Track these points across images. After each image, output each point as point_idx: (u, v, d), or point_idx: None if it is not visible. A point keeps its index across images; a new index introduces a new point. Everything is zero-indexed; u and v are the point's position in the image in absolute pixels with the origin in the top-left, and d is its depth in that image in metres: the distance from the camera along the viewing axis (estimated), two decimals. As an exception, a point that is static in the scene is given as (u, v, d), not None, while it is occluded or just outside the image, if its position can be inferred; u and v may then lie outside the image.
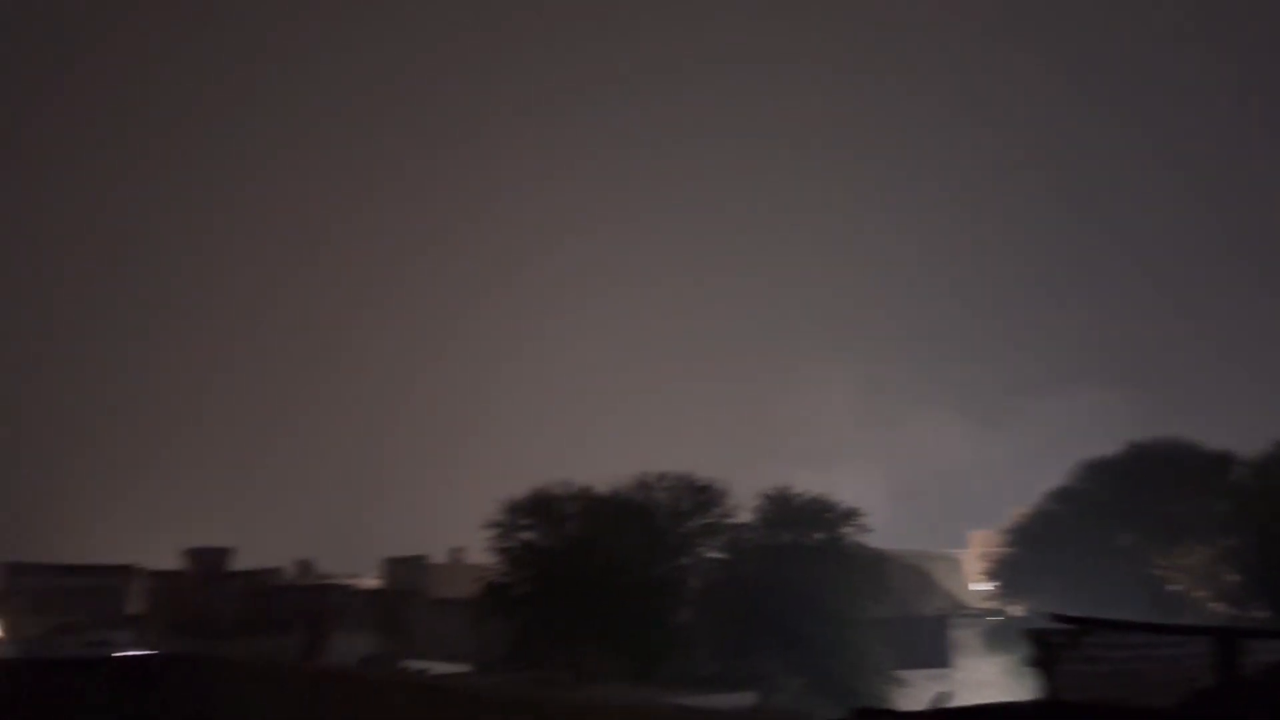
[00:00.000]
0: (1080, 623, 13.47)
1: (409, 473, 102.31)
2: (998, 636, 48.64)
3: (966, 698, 35.37)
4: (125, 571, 58.86)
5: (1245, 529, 43.49)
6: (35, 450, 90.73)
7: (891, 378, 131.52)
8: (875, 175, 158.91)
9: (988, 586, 59.26)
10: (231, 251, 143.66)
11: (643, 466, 43.03)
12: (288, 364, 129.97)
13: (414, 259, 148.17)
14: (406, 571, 65.66)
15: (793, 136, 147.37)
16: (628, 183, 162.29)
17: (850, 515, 42.49)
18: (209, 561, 62.83)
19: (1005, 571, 52.99)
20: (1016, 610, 50.66)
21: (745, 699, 32.62)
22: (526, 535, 42.23)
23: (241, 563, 64.20)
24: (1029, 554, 50.49)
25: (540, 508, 42.13)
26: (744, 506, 42.87)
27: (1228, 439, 48.30)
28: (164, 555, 63.49)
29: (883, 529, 45.44)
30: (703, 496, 42.95)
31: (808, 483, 45.45)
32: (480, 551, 48.05)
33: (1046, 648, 13.16)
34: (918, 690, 39.36)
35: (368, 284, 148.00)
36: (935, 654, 49.00)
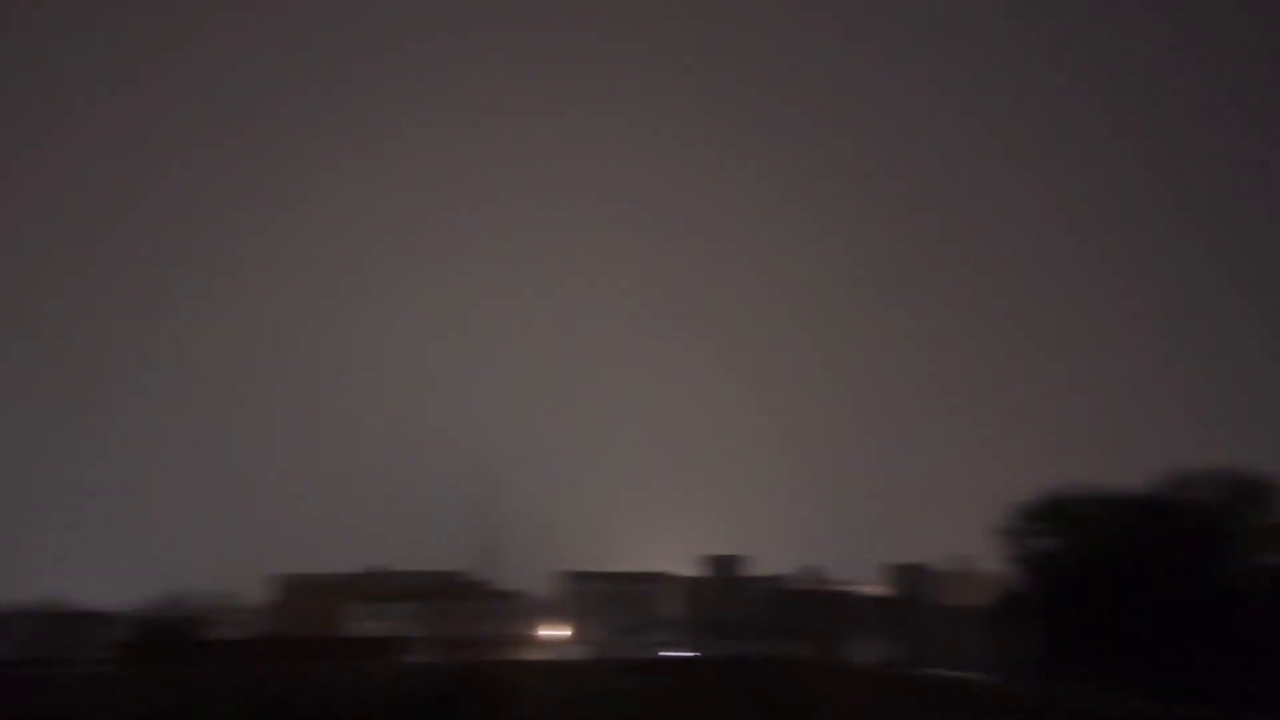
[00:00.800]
0: None
1: (904, 478, 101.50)
2: None
3: None
4: (657, 578, 65.40)
5: None
6: (584, 466, 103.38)
7: None
8: None
9: None
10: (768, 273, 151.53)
11: (1163, 460, 39.05)
12: (786, 378, 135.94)
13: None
14: (910, 578, 65.62)
15: None
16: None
17: None
18: (726, 568, 67.76)
19: None
20: None
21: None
22: (1045, 541, 40.09)
23: (754, 569, 68.41)
24: None
25: (1059, 512, 39.76)
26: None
27: None
28: (688, 562, 69.61)
29: None
30: (1253, 494, 37.81)
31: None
32: (988, 558, 46.55)
33: None
34: None
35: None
36: None
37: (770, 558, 70.26)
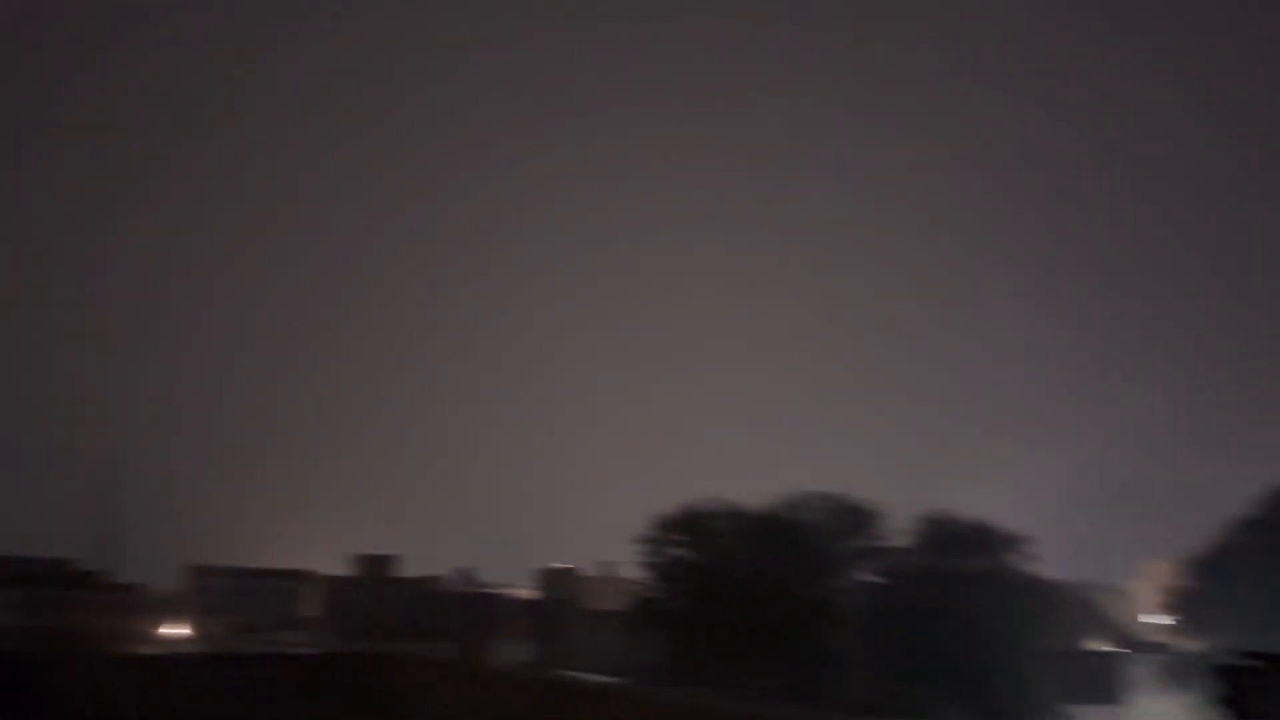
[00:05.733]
0: (1276, 660, 12.70)
1: (559, 484, 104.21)
2: (1175, 672, 45.99)
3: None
4: (300, 576, 62.30)
5: None
6: (220, 459, 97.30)
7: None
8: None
9: (1162, 620, 56.10)
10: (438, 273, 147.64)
11: (794, 483, 42.74)
12: (448, 378, 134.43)
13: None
14: (559, 583, 66.98)
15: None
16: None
17: (1015, 541, 41.02)
18: (375, 568, 65.84)
19: (1186, 605, 49.97)
20: (1195, 645, 47.78)
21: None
22: (678, 551, 42.45)
23: (406, 570, 67.06)
24: (1212, 586, 47.44)
25: (691, 524, 42.28)
26: (902, 529, 41.94)
27: None
28: (335, 561, 67.04)
29: (1048, 556, 43.58)
30: (856, 518, 42.23)
31: (968, 504, 44.18)
32: (630, 565, 48.52)
33: (1238, 685, 12.47)
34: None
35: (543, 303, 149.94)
36: (1105, 689, 46.67)
37: (424, 560, 69.37)
